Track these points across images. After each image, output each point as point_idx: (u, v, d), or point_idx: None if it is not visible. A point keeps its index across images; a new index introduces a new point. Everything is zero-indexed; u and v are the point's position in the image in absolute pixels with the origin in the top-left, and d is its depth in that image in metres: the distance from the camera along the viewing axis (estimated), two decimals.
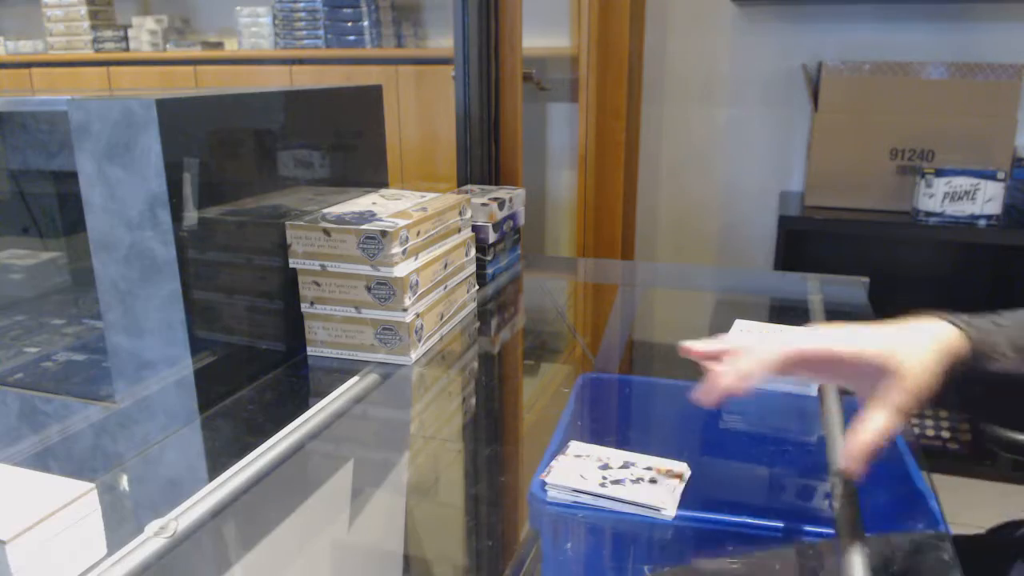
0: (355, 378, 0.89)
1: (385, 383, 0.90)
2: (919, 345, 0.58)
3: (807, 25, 2.27)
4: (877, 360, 0.57)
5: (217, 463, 0.71)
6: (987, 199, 1.90)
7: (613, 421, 0.87)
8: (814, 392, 0.83)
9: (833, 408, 0.75)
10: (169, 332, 0.80)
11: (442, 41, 2.90)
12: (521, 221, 1.36)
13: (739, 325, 0.92)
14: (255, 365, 0.91)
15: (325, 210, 0.96)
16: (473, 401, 0.93)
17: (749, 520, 0.62)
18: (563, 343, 1.14)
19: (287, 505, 0.69)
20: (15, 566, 0.48)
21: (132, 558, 0.55)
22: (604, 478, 0.65)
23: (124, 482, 0.75)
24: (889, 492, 0.69)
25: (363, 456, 0.82)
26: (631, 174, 2.44)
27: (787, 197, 2.31)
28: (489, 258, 1.23)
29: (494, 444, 0.85)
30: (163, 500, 0.64)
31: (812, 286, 1.26)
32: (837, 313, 1.11)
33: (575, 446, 0.71)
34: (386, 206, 0.99)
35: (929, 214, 1.95)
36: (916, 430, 2.06)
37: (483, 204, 1.19)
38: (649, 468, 0.68)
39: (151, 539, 0.58)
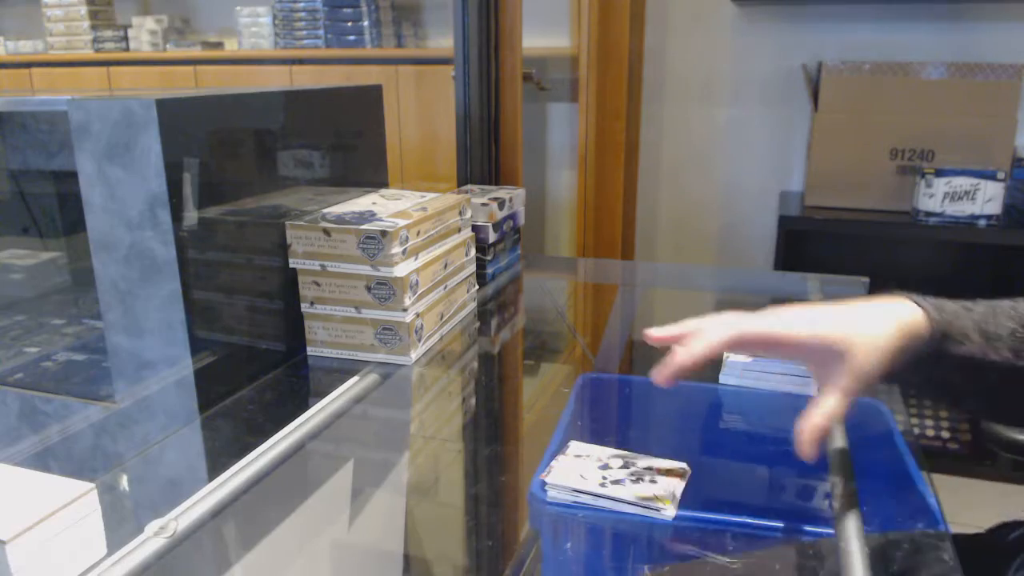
0: (355, 378, 0.89)
1: (385, 383, 0.90)
2: (874, 325, 0.59)
3: (807, 25, 2.27)
4: (828, 342, 0.58)
5: (217, 463, 0.71)
6: (987, 199, 1.90)
7: (613, 421, 0.87)
8: (814, 392, 0.83)
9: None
10: (169, 332, 0.80)
11: (442, 41, 2.90)
12: (521, 221, 1.36)
13: None
14: (255, 365, 0.91)
15: (325, 210, 0.96)
16: (473, 401, 0.93)
17: (749, 520, 0.62)
18: (563, 343, 1.14)
19: (287, 505, 0.69)
20: (15, 566, 0.48)
21: (132, 558, 0.55)
22: (604, 478, 0.65)
23: (124, 482, 0.75)
24: (889, 492, 0.69)
25: (363, 456, 0.82)
26: (631, 174, 2.44)
27: (787, 197, 2.31)
28: (489, 258, 1.23)
29: (494, 444, 0.85)
30: (163, 500, 0.64)
31: (812, 286, 1.26)
32: None
33: (575, 446, 0.71)
34: (386, 206, 0.99)
35: (929, 214, 1.95)
36: (916, 430, 2.06)
37: (483, 204, 1.19)
38: (649, 468, 0.68)
39: (151, 539, 0.58)
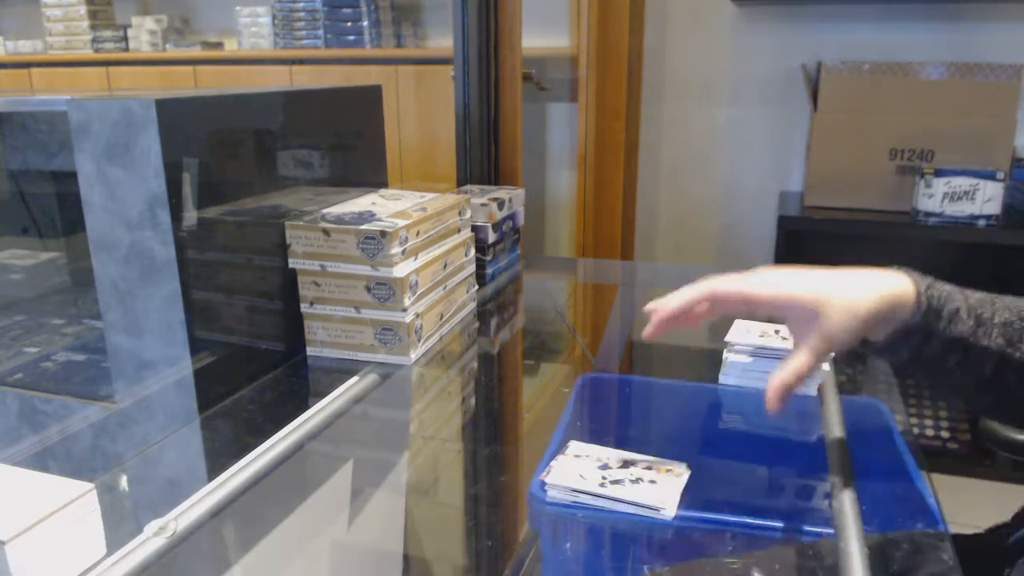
0: (355, 378, 0.89)
1: (385, 383, 0.90)
2: (853, 289, 0.61)
3: (807, 25, 2.27)
4: (800, 302, 0.61)
5: (217, 463, 0.71)
6: (986, 199, 1.90)
7: (613, 421, 0.87)
8: (814, 392, 0.83)
9: (833, 408, 0.75)
10: (169, 332, 0.80)
11: (442, 41, 2.90)
12: (521, 221, 1.36)
13: (739, 325, 0.92)
14: (255, 365, 0.91)
15: (325, 210, 0.96)
16: (473, 401, 0.93)
17: (749, 520, 0.62)
18: (563, 343, 1.14)
19: (287, 505, 0.69)
20: (15, 566, 0.48)
21: (132, 558, 0.55)
22: (604, 478, 0.65)
23: (124, 482, 0.75)
24: (889, 492, 0.69)
25: (363, 456, 0.82)
26: (631, 174, 2.44)
27: (786, 197, 2.31)
28: (489, 258, 1.23)
29: (494, 444, 0.85)
30: (163, 500, 0.64)
31: None
32: None
33: (575, 446, 0.71)
34: (386, 206, 0.99)
35: (928, 214, 1.95)
36: (916, 430, 2.06)
37: (483, 204, 1.19)
38: (649, 468, 0.68)
39: (151, 539, 0.58)
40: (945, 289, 0.62)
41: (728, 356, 0.87)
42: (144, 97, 0.74)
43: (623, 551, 0.65)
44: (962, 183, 1.90)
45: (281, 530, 0.66)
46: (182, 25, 3.20)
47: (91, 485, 0.53)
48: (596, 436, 0.76)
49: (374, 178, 1.16)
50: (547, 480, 0.65)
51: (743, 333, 0.90)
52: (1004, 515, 0.73)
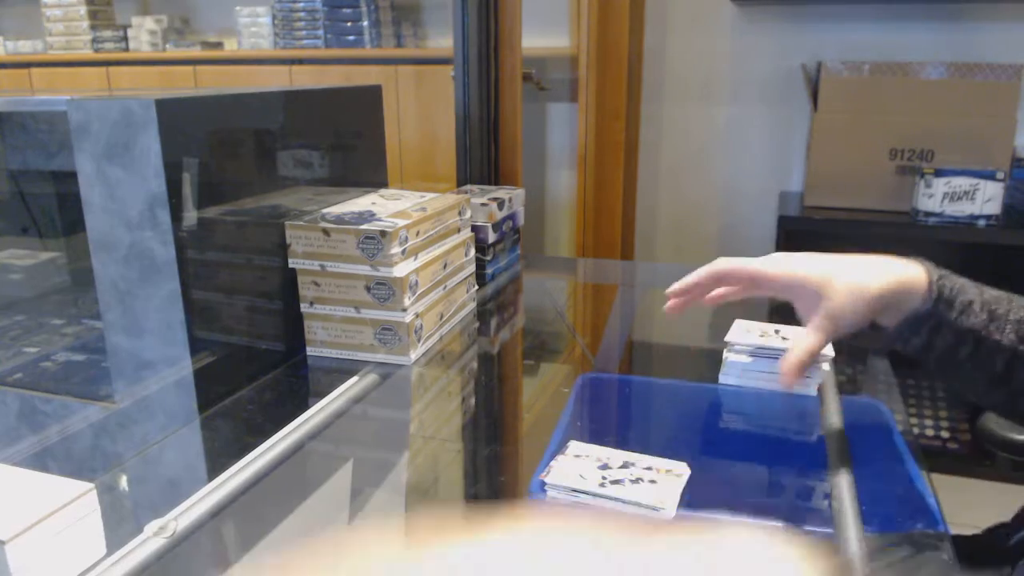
0: (354, 378, 0.89)
1: (384, 383, 0.90)
2: (861, 273, 0.63)
3: (807, 25, 2.27)
4: (806, 282, 0.64)
5: (216, 463, 0.71)
6: (986, 199, 1.90)
7: (613, 421, 0.87)
8: (814, 392, 0.83)
9: (833, 408, 0.75)
10: (168, 332, 0.80)
11: (442, 41, 2.90)
12: (521, 221, 1.36)
13: (739, 325, 0.92)
14: (255, 365, 0.91)
15: (325, 210, 0.96)
16: (472, 401, 0.93)
17: (749, 520, 0.62)
18: (563, 343, 1.14)
19: (287, 505, 0.69)
20: (15, 566, 0.48)
21: (132, 558, 0.55)
22: (604, 478, 0.65)
23: (123, 482, 0.75)
24: (889, 492, 0.69)
25: (363, 456, 0.82)
26: (631, 174, 2.44)
27: (786, 197, 2.31)
28: (489, 258, 1.23)
29: (493, 444, 0.85)
30: (162, 500, 0.64)
31: None
32: None
33: (575, 446, 0.71)
34: (385, 206, 0.99)
35: (928, 214, 1.95)
36: (916, 430, 2.06)
37: (483, 204, 1.19)
38: (649, 468, 0.68)
39: (150, 539, 0.58)
40: (959, 282, 0.63)
41: (728, 356, 0.87)
42: (144, 97, 0.74)
43: None
44: (962, 183, 1.90)
45: (281, 530, 0.66)
46: (182, 25, 3.20)
47: (91, 485, 0.53)
48: (596, 436, 0.76)
49: (374, 178, 1.16)
50: (547, 480, 0.65)
51: (743, 333, 0.90)
52: (1004, 515, 0.73)
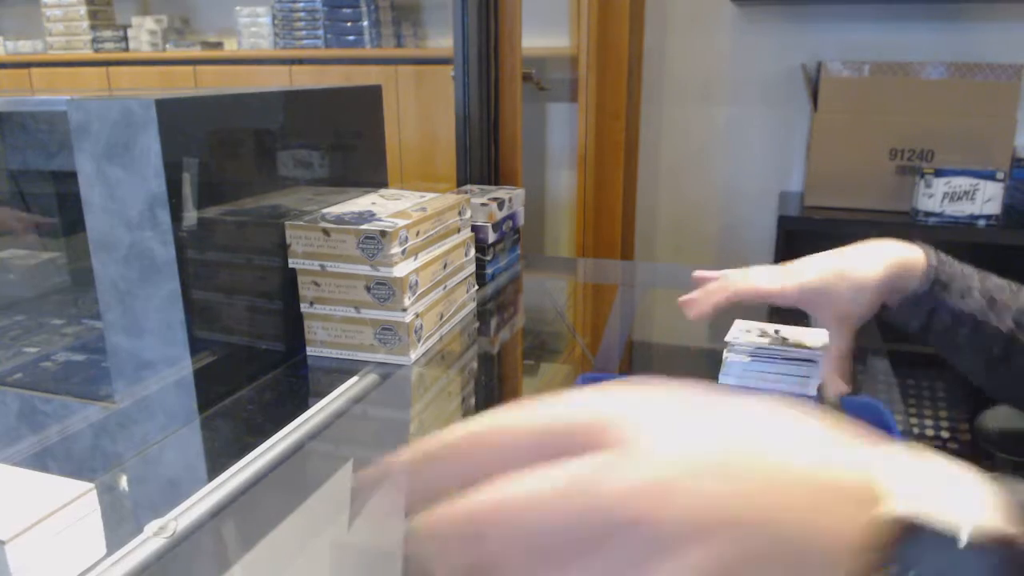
0: (354, 378, 0.89)
1: (384, 383, 0.90)
2: (861, 265, 0.65)
3: (807, 25, 2.27)
4: (814, 291, 0.67)
5: (216, 463, 0.71)
6: (986, 199, 1.90)
7: None
8: (814, 392, 0.83)
9: (832, 408, 0.75)
10: (168, 332, 0.80)
11: (442, 41, 2.90)
12: (521, 221, 1.36)
13: (739, 325, 0.92)
14: (255, 365, 0.91)
15: (325, 210, 0.96)
16: (473, 401, 0.93)
17: None
18: (563, 343, 1.14)
19: (287, 505, 0.69)
20: (14, 566, 0.48)
21: (131, 558, 0.55)
22: None
23: (123, 482, 0.75)
24: None
25: (363, 456, 0.82)
26: (630, 174, 2.44)
27: (786, 197, 2.31)
28: (489, 258, 1.23)
29: None
30: (162, 500, 0.64)
31: None
32: None
33: None
34: (385, 206, 0.99)
35: (928, 214, 1.95)
36: (916, 430, 2.06)
37: (483, 204, 1.19)
38: None
39: (150, 539, 0.58)
40: (959, 267, 0.65)
41: (728, 356, 0.87)
42: (144, 97, 0.74)
43: None
44: (962, 183, 1.91)
45: (281, 530, 0.66)
46: (182, 25, 3.20)
47: (91, 485, 0.53)
48: None
49: (374, 178, 1.16)
50: None
51: (743, 333, 0.90)
52: None
